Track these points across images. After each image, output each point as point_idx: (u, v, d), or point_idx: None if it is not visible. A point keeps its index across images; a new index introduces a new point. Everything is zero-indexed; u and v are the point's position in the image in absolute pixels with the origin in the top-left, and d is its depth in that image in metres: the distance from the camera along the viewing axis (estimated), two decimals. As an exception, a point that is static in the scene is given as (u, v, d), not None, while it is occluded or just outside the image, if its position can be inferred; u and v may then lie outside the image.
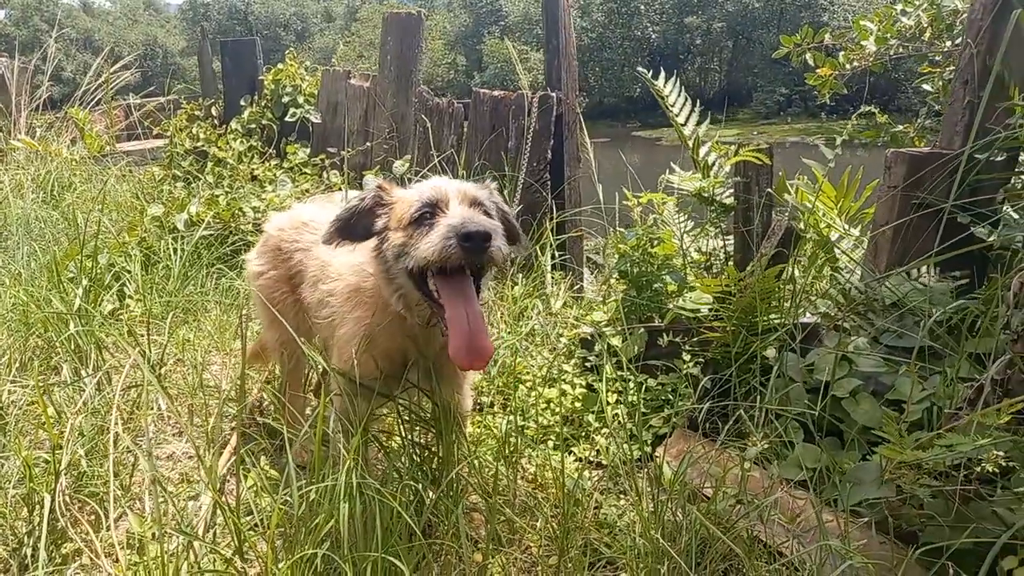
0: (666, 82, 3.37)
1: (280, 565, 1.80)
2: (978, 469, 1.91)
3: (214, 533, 1.96)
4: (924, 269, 3.22)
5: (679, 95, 3.35)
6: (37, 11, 52.66)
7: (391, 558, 1.77)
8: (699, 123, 3.28)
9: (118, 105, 8.52)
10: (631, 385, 3.04)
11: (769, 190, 2.85)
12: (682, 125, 3.27)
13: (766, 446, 2.38)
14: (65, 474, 2.30)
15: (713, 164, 3.20)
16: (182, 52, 62.24)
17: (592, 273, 4.87)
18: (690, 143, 3.20)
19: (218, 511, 1.96)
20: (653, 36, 47.66)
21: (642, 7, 47.83)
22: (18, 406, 2.86)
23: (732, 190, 3.16)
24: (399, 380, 2.15)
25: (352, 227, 2.00)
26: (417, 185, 2.06)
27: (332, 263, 2.27)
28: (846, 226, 3.91)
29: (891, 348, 2.86)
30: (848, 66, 5.33)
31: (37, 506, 2.23)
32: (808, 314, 3.19)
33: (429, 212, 1.87)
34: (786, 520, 2.16)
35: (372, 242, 2.02)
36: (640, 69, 3.43)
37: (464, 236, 1.71)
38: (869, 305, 3.16)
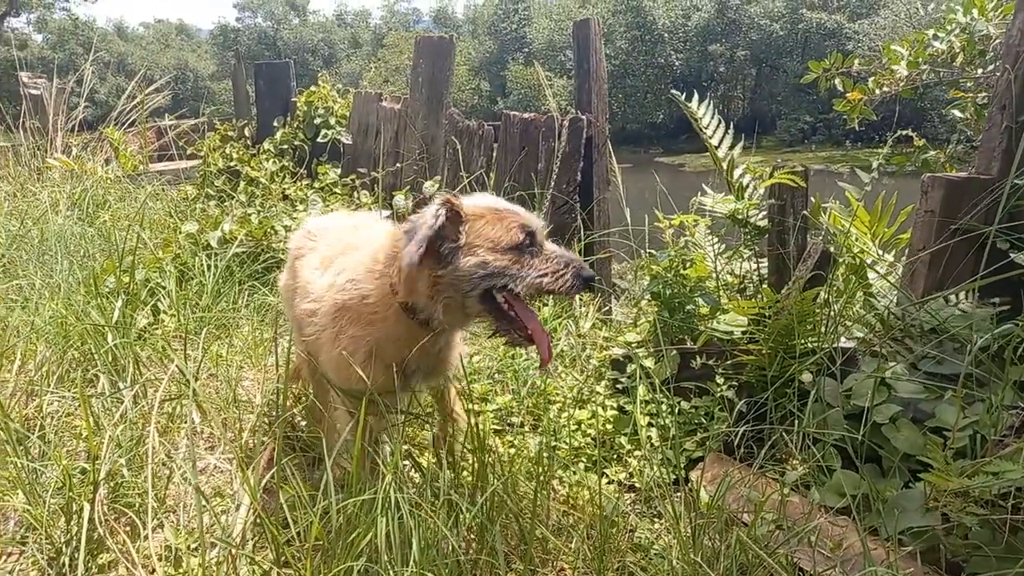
0: (699, 104, 3.39)
1: (318, 579, 1.80)
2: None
3: (252, 544, 1.96)
4: (963, 295, 3.18)
5: (712, 117, 3.36)
6: (73, 35, 54.11)
7: (428, 574, 1.76)
8: (733, 145, 3.28)
9: (151, 126, 8.71)
10: (664, 407, 3.01)
11: (805, 212, 2.83)
12: (716, 147, 3.27)
13: (805, 471, 2.35)
14: (103, 484, 2.32)
15: (747, 186, 3.19)
16: (212, 76, 63.53)
17: (618, 298, 4.86)
18: (724, 165, 3.20)
19: (255, 522, 1.96)
20: (676, 63, 47.89)
21: (665, 35, 48.13)
22: (56, 417, 2.90)
23: (766, 212, 3.15)
24: (406, 389, 2.22)
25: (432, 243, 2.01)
26: (491, 201, 2.14)
27: (313, 281, 2.31)
28: (880, 251, 3.88)
29: (929, 375, 2.82)
30: (878, 91, 5.31)
31: (75, 516, 2.25)
32: (844, 339, 3.15)
33: (530, 241, 2.04)
34: (828, 547, 2.12)
35: (406, 253, 1.98)
36: (674, 92, 3.45)
37: (586, 279, 2.05)
38: (907, 331, 3.12)
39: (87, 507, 2.14)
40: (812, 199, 3.21)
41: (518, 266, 2.01)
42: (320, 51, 69.18)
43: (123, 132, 8.10)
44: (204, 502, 2.03)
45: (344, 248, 2.37)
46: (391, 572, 1.81)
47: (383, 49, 61.52)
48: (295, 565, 1.90)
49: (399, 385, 2.13)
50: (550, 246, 2.08)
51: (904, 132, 3.40)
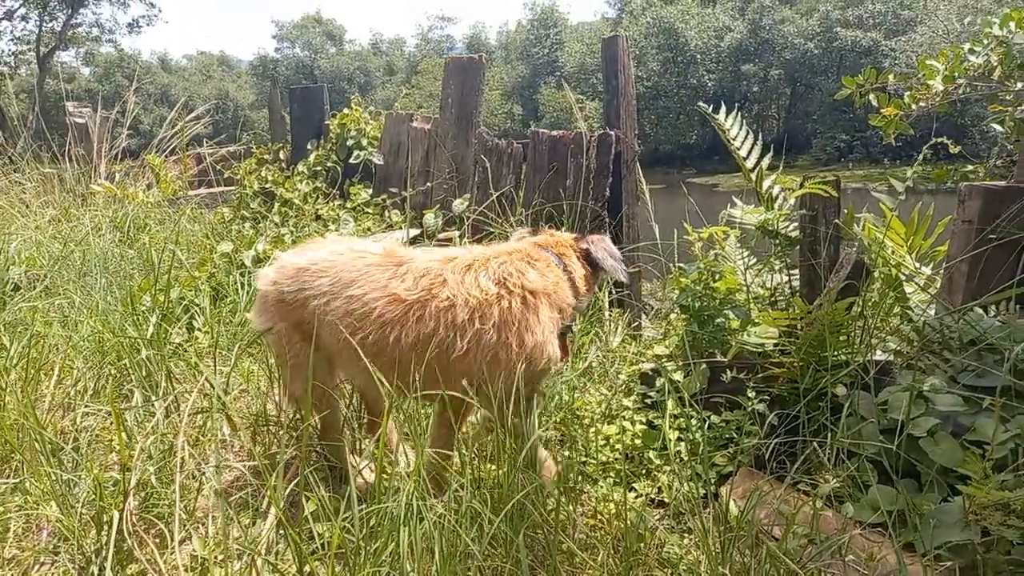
0: (727, 116, 3.36)
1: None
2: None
3: (276, 553, 1.97)
4: (1002, 305, 3.09)
5: (740, 128, 3.34)
6: (119, 68, 55.97)
7: (450, 582, 1.74)
8: (761, 157, 3.25)
9: (191, 154, 8.92)
10: (694, 422, 2.96)
11: (837, 221, 2.78)
12: (744, 159, 3.24)
13: (838, 485, 2.28)
14: (133, 495, 2.35)
15: (777, 197, 3.15)
16: (251, 105, 65.11)
17: (648, 316, 4.81)
18: (753, 176, 3.16)
19: (280, 531, 1.96)
20: (709, 83, 47.72)
21: (698, 56, 48.06)
22: (91, 431, 2.95)
23: (797, 223, 3.11)
24: None
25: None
26: None
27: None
28: (917, 264, 3.79)
29: (969, 388, 2.73)
30: (914, 106, 5.22)
31: (106, 526, 2.28)
32: (879, 351, 3.08)
33: None
34: (863, 561, 2.05)
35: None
36: (701, 104, 3.43)
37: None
38: (945, 343, 3.03)
39: (116, 516, 2.16)
40: (844, 210, 3.16)
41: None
42: (356, 79, 70.52)
43: (164, 159, 8.33)
44: (229, 509, 2.04)
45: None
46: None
47: (417, 76, 62.50)
48: (317, 574, 1.90)
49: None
50: None
51: (940, 140, 3.31)
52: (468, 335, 2.29)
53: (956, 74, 5.07)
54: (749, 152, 3.28)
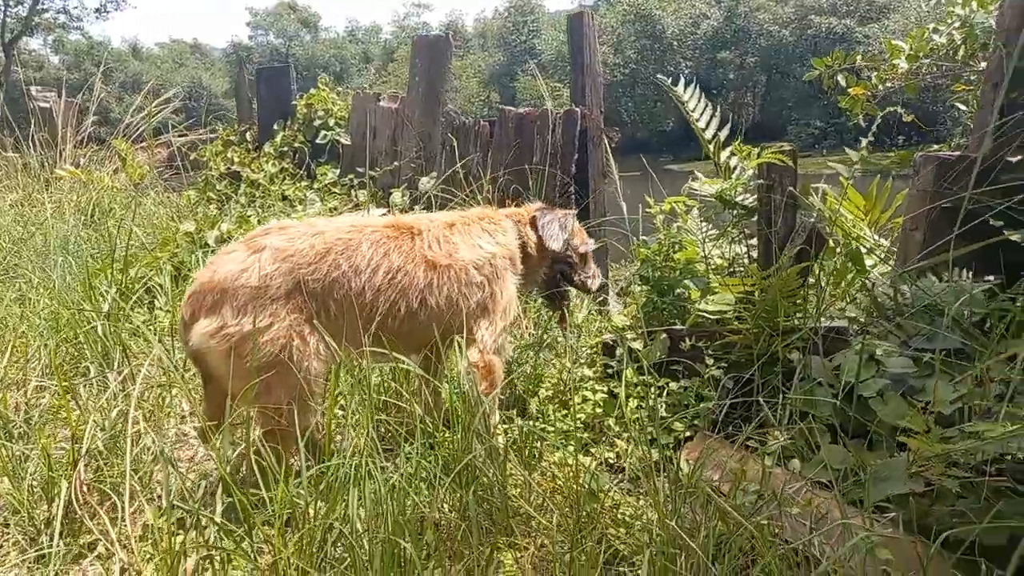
0: (685, 88, 3.37)
1: (288, 549, 1.79)
2: (1008, 457, 1.82)
3: (221, 512, 1.96)
4: (958, 272, 3.13)
5: (699, 100, 3.35)
6: (88, 55, 54.94)
7: (399, 539, 1.75)
8: (720, 128, 3.26)
9: (160, 142, 8.76)
10: (652, 390, 2.98)
11: (791, 188, 2.81)
12: (703, 130, 3.25)
13: (789, 441, 2.31)
14: (85, 466, 2.32)
15: (735, 168, 3.17)
16: (225, 93, 64.20)
17: (615, 291, 4.83)
18: (711, 147, 3.18)
19: (228, 496, 1.95)
20: (686, 71, 47.74)
21: (675, 43, 48.13)
22: (43, 407, 2.91)
23: (755, 193, 3.13)
24: None
25: None
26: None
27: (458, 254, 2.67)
28: (876, 237, 3.83)
29: (921, 351, 2.78)
30: (880, 86, 5.27)
31: (56, 497, 2.26)
32: (836, 319, 3.11)
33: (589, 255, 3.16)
34: (808, 514, 2.08)
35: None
36: (660, 76, 3.44)
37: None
38: (898, 310, 3.08)
39: (65, 486, 2.14)
40: (803, 177, 3.18)
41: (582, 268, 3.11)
42: (332, 67, 69.80)
43: (131, 144, 8.19)
44: (175, 467, 2.03)
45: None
46: (363, 540, 1.80)
47: (393, 63, 62.01)
48: (266, 534, 1.89)
49: None
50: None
51: (910, 119, 3.35)
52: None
53: (921, 53, 5.13)
54: (708, 124, 3.30)
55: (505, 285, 2.73)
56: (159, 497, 2.43)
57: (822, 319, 2.89)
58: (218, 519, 1.86)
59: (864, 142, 3.20)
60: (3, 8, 32.99)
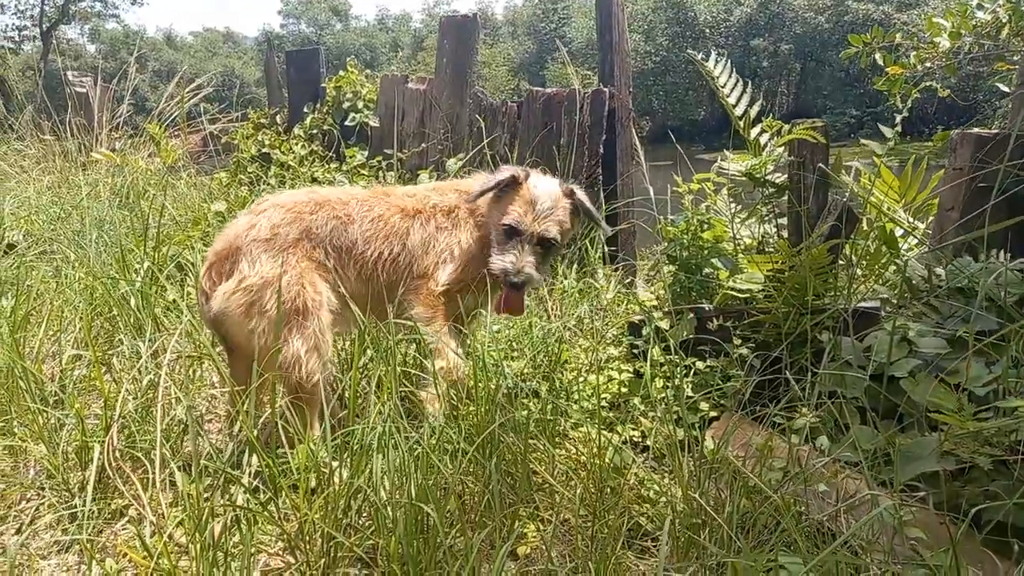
0: (716, 63, 3.32)
1: (313, 509, 1.81)
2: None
3: (249, 473, 1.99)
4: (994, 254, 3.06)
5: (730, 76, 3.30)
6: (124, 44, 55.80)
7: (422, 504, 1.76)
8: (751, 104, 3.21)
9: (195, 126, 8.87)
10: (679, 370, 2.96)
11: (821, 165, 2.75)
12: (733, 106, 3.20)
13: (816, 420, 2.28)
14: (117, 433, 2.37)
15: (766, 145, 3.12)
16: (257, 82, 64.81)
17: (643, 273, 4.80)
18: (741, 123, 3.13)
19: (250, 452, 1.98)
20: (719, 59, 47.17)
21: (707, 30, 47.47)
22: (78, 379, 2.98)
23: (785, 171, 3.08)
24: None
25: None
26: (533, 189, 2.64)
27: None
28: (911, 219, 3.75)
29: (955, 335, 2.71)
30: (919, 66, 5.11)
31: (89, 463, 2.31)
32: (868, 300, 3.06)
33: (514, 233, 2.57)
34: (834, 491, 2.05)
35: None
36: (690, 51, 3.39)
37: (511, 284, 2.55)
38: (932, 290, 3.01)
39: (97, 449, 2.19)
40: (836, 155, 3.12)
41: (498, 244, 2.62)
42: (362, 55, 70.03)
43: (164, 128, 8.31)
44: (199, 428, 2.06)
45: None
46: (388, 507, 1.82)
47: (422, 52, 62.05)
48: (291, 499, 1.92)
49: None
50: (523, 253, 2.57)
51: (948, 97, 3.27)
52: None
53: (963, 31, 4.96)
54: (738, 100, 3.25)
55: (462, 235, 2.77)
56: (188, 466, 2.48)
57: (853, 299, 2.84)
58: (246, 481, 1.89)
59: (899, 118, 3.13)
60: (42, -3, 33.65)
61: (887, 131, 3.21)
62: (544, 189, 2.63)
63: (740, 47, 47.84)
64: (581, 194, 2.71)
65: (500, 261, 2.54)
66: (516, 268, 2.52)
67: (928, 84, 3.71)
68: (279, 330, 2.27)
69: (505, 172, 2.64)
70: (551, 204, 2.59)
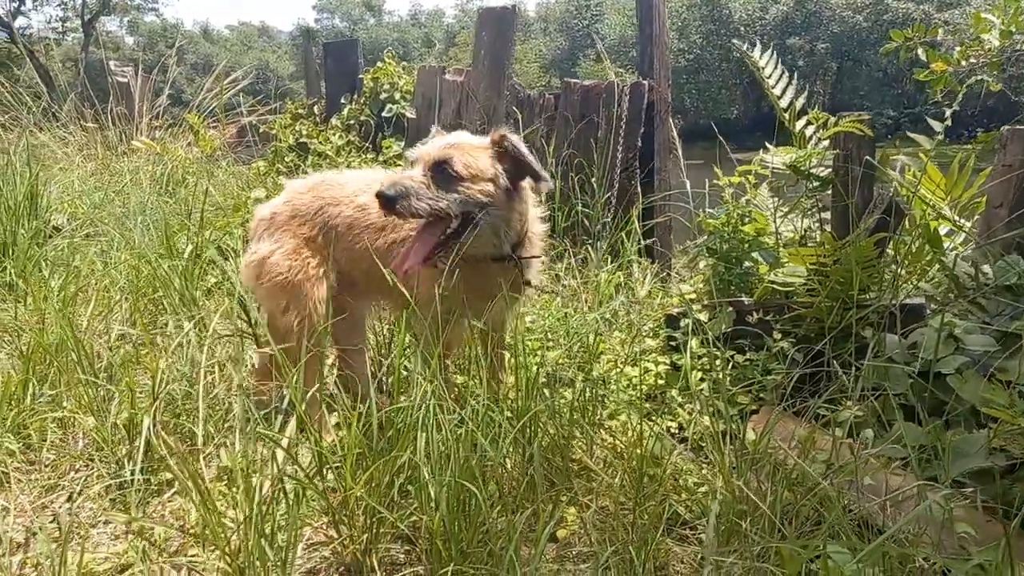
0: (762, 54, 3.29)
1: (357, 487, 1.84)
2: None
3: (296, 451, 2.02)
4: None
5: (776, 67, 3.26)
6: (162, 37, 56.74)
7: (467, 483, 1.77)
8: (797, 95, 3.18)
9: (232, 121, 9.01)
10: (718, 362, 2.94)
11: (869, 158, 2.71)
12: (779, 98, 3.17)
13: (860, 414, 2.25)
14: (162, 407, 2.42)
15: (811, 138, 3.08)
16: (291, 76, 65.47)
17: (679, 266, 4.76)
18: (787, 115, 3.10)
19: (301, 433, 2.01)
20: (736, 55, 46.62)
21: (742, 28, 46.87)
22: (124, 355, 3.04)
23: (829, 164, 3.04)
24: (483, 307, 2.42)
25: None
26: (441, 132, 2.49)
27: None
28: (957, 218, 3.68)
29: (1003, 333, 2.66)
30: (964, 62, 4.98)
31: (137, 435, 2.36)
32: (912, 297, 3.01)
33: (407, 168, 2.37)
34: (879, 486, 2.03)
35: None
36: (735, 41, 3.36)
37: (378, 196, 2.20)
38: (979, 288, 2.96)
39: (147, 421, 2.23)
40: (882, 149, 3.08)
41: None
42: (395, 50, 69.94)
43: (203, 119, 8.45)
44: (250, 405, 2.10)
45: None
46: (430, 486, 1.83)
47: (455, 48, 62.20)
48: (335, 473, 1.95)
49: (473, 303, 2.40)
50: (405, 173, 2.30)
51: (990, 82, 3.20)
52: None
53: (1015, 28, 4.81)
54: (784, 91, 3.21)
55: None
56: (231, 444, 2.52)
57: (899, 293, 2.80)
58: (289, 451, 1.92)
59: (948, 113, 3.07)
60: (84, -12, 34.32)
61: (936, 124, 3.15)
62: (455, 133, 2.46)
63: (776, 45, 46.39)
64: (514, 138, 2.40)
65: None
66: (388, 183, 2.22)
67: (979, 79, 3.62)
68: (277, 299, 2.57)
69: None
70: (455, 139, 2.37)
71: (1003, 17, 4.82)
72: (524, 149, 2.38)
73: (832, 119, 2.87)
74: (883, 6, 43.27)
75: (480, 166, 2.30)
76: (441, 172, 2.26)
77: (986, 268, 3.04)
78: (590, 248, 4.17)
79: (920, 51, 5.01)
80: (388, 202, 2.18)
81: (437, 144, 2.33)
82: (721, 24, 47.06)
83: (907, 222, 2.99)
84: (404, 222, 2.42)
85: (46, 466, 2.43)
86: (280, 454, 1.93)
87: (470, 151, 2.31)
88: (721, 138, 3.60)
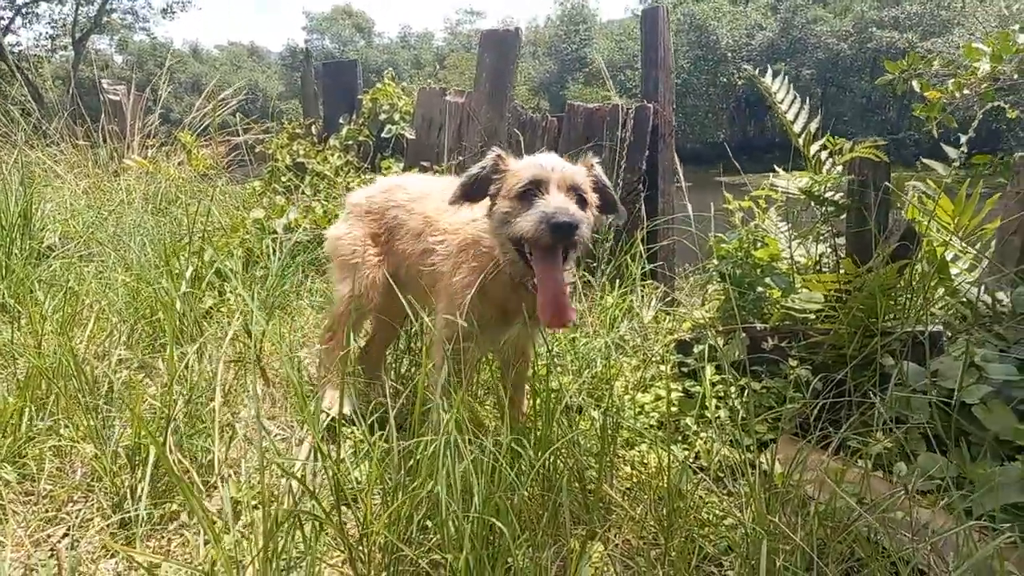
0: (773, 79, 3.28)
1: (379, 521, 1.75)
2: None
3: (314, 479, 1.94)
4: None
5: (788, 92, 3.25)
6: (152, 56, 56.70)
7: (491, 518, 1.70)
8: (809, 120, 3.16)
9: (224, 140, 8.96)
10: (733, 390, 2.89)
11: (887, 184, 2.69)
12: (792, 122, 3.15)
13: (889, 446, 2.20)
14: (169, 433, 2.33)
15: (825, 162, 3.06)
16: (280, 96, 65.56)
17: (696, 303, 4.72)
18: (800, 140, 3.08)
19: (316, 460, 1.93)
20: (739, 82, 47.22)
21: (729, 54, 47.54)
22: (123, 380, 2.95)
23: (843, 190, 3.01)
24: (502, 333, 2.37)
25: (473, 190, 2.27)
26: (528, 159, 2.26)
27: (441, 219, 2.51)
28: (964, 244, 3.67)
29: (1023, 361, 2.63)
30: (957, 93, 5.03)
31: (140, 465, 2.27)
32: (930, 325, 2.98)
33: (532, 191, 2.11)
34: (910, 523, 1.97)
35: (487, 203, 2.27)
36: (747, 66, 3.35)
37: (554, 226, 1.98)
38: (995, 316, 2.93)
39: (152, 450, 2.14)
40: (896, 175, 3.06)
41: (515, 213, 2.10)
42: (384, 72, 70.72)
43: (195, 137, 8.38)
44: (265, 430, 2.02)
45: None
46: (452, 521, 1.76)
47: (444, 70, 62.61)
48: (353, 508, 1.86)
49: (497, 324, 2.35)
50: (552, 198, 2.05)
51: (1007, 108, 3.21)
52: None
53: (1005, 55, 4.86)
54: (796, 116, 3.20)
55: None
56: (237, 474, 2.43)
57: (922, 322, 2.76)
58: (307, 486, 1.84)
59: (964, 139, 3.06)
60: (75, 6, 34.25)
61: (951, 152, 3.14)
62: (549, 156, 2.25)
63: (762, 71, 47.82)
64: (599, 168, 2.32)
65: (525, 219, 2.04)
66: (554, 208, 2.00)
67: (995, 103, 3.63)
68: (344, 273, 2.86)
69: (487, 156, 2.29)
70: (561, 162, 2.20)
71: (993, 45, 4.88)
72: (607, 179, 2.36)
73: (848, 144, 2.84)
74: (867, 34, 44.06)
75: (593, 194, 2.24)
76: (576, 197, 2.13)
77: (1001, 295, 3.02)
78: (595, 272, 4.12)
79: (915, 82, 5.06)
80: (570, 230, 1.98)
81: (559, 167, 2.15)
82: (708, 50, 47.71)
83: (923, 250, 2.96)
84: (439, 234, 2.50)
85: (44, 497, 2.32)
86: (295, 485, 1.85)
87: (585, 177, 2.22)
88: (704, 181, 3.56)
